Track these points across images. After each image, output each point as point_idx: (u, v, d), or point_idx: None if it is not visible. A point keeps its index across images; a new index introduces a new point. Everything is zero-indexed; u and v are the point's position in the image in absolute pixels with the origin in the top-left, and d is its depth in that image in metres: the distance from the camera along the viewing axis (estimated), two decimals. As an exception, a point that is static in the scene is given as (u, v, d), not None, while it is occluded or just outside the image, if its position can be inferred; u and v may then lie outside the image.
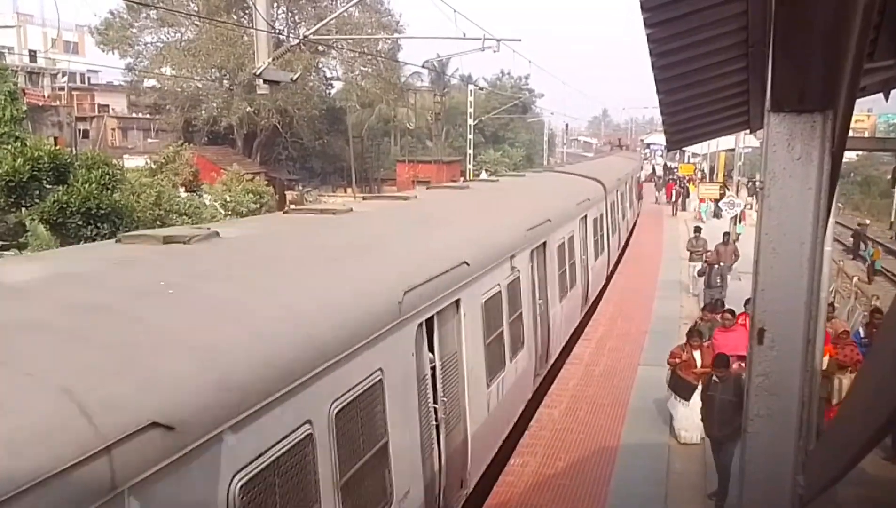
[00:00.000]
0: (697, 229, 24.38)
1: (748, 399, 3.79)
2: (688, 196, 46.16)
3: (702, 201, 39.02)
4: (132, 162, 45.94)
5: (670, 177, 57.58)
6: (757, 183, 41.80)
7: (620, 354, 15.80)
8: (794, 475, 3.73)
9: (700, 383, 10.74)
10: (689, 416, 11.18)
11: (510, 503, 9.61)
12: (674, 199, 45.90)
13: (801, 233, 3.37)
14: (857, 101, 6.25)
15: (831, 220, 8.34)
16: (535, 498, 9.76)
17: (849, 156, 54.34)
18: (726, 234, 22.62)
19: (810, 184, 3.33)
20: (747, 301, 15.01)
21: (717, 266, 19.53)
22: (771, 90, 3.24)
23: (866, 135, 51.00)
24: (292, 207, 12.99)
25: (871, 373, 3.35)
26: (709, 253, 21.09)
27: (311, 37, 26.13)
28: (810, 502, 3.97)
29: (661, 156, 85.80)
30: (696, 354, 11.63)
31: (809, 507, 4.04)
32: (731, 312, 12.95)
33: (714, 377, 9.66)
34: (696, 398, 10.70)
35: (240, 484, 4.36)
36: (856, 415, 3.09)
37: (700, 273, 20.42)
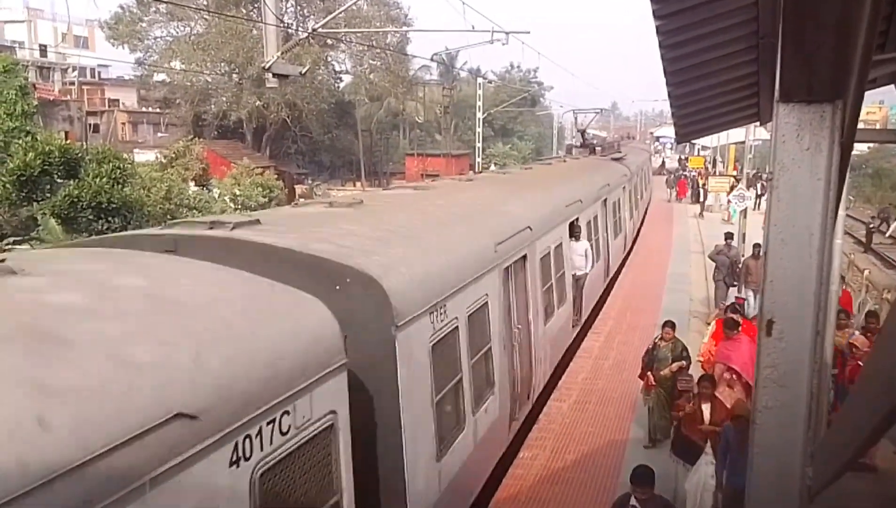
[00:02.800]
0: (729, 236, 19.66)
1: (757, 391, 3.79)
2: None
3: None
4: (142, 156, 46.13)
5: (682, 172, 54.99)
6: (764, 175, 41.33)
7: (630, 347, 15.79)
8: (802, 467, 3.72)
9: (708, 443, 8.77)
10: (689, 489, 8.62)
11: (520, 496, 9.64)
12: (701, 198, 40.85)
13: (811, 224, 3.36)
14: (869, 92, 6.23)
15: (841, 212, 8.31)
16: (544, 491, 9.79)
17: (860, 148, 54.04)
18: (756, 245, 18.01)
19: (819, 174, 3.32)
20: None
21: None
22: (780, 80, 3.23)
23: (878, 127, 50.67)
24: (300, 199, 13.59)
25: (878, 361, 3.35)
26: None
27: (320, 30, 26.14)
28: (819, 494, 3.97)
29: (671, 148, 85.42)
30: (706, 407, 9.26)
31: (818, 499, 4.04)
32: (735, 321, 11.53)
33: (633, 501, 7.36)
34: (705, 467, 8.66)
35: (467, 314, 8.27)
36: (863, 404, 3.09)
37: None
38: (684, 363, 11.11)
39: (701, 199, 41.20)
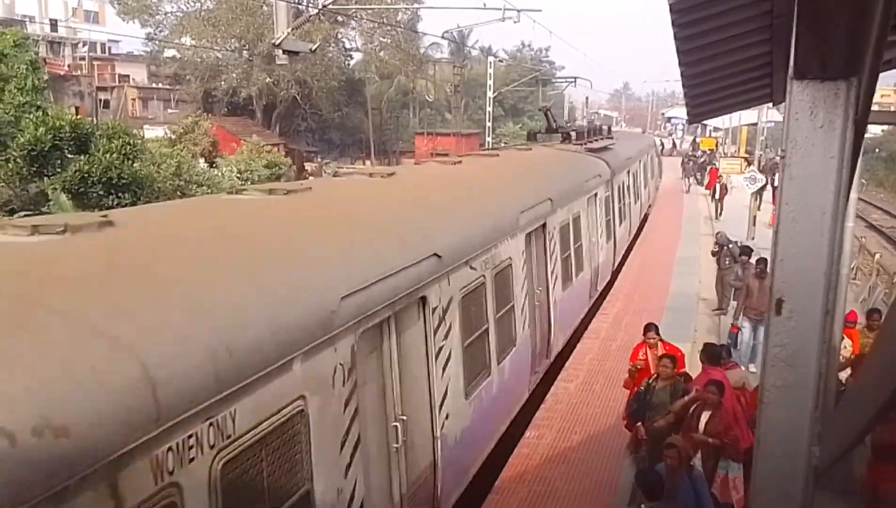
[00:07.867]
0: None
1: (765, 371, 3.79)
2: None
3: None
4: (152, 132, 46.06)
5: (693, 155, 48.33)
6: (777, 156, 40.63)
7: (637, 329, 15.75)
8: (809, 446, 3.72)
9: (699, 453, 7.65)
10: None
11: (526, 475, 9.68)
12: (717, 195, 31.13)
13: (823, 202, 3.34)
14: (884, 75, 6.15)
15: (853, 194, 8.25)
16: (550, 471, 9.82)
17: (874, 131, 53.49)
18: (762, 261, 13.84)
19: (832, 153, 3.29)
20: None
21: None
22: (794, 56, 3.20)
23: (893, 109, 50.07)
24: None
25: (885, 341, 3.34)
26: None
27: (331, 7, 26.01)
28: (825, 474, 3.98)
29: (683, 130, 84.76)
30: (705, 415, 8.09)
31: (823, 479, 4.05)
32: (718, 353, 9.68)
33: None
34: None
35: (573, 217, 14.12)
36: (869, 384, 3.09)
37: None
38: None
39: (717, 196, 31.30)
